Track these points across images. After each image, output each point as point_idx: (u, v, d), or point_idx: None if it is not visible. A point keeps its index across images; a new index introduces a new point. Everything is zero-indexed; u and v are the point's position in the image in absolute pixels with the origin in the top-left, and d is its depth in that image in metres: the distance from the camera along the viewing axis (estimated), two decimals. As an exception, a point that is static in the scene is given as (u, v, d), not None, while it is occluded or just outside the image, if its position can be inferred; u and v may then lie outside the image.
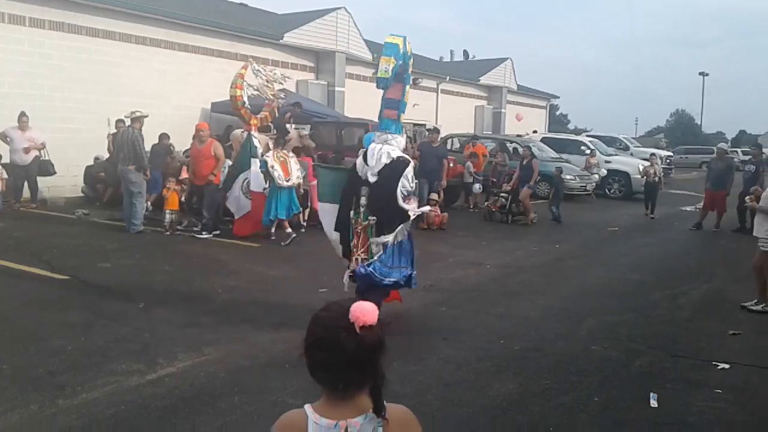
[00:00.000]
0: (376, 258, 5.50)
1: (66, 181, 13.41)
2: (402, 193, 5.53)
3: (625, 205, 17.13)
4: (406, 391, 4.19)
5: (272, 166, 9.53)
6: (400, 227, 5.56)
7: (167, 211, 10.32)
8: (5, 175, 11.69)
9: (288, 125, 13.80)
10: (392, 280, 5.54)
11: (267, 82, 10.66)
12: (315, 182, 11.00)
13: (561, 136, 24.76)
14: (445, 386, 4.44)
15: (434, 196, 12.02)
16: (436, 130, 13.85)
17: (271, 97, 10.68)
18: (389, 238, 5.51)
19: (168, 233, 10.13)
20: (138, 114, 10.45)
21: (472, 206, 14.88)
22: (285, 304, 6.27)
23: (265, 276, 7.65)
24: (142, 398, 4.01)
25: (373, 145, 5.74)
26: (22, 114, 11.90)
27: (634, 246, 10.91)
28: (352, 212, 5.69)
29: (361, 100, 21.06)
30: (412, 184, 5.64)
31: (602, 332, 5.83)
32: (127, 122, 10.65)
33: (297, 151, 11.26)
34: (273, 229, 9.89)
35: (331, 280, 7.20)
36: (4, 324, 5.37)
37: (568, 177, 17.88)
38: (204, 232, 9.94)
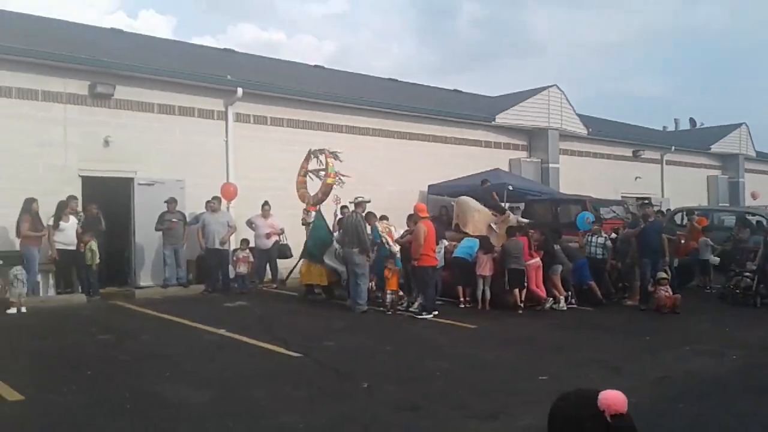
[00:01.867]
0: None
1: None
2: None
3: None
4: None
5: (385, 241, 11.12)
6: None
7: (388, 292, 10.74)
8: (251, 258, 13.11)
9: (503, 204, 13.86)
10: None
11: (322, 166, 12.52)
12: (531, 261, 10.82)
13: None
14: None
15: (663, 274, 11.03)
16: (649, 204, 12.84)
17: (328, 180, 12.14)
18: None
19: (389, 313, 10.50)
20: (360, 199, 11.20)
21: (709, 287, 13.41)
22: (503, 391, 6.06)
23: (481, 359, 7.51)
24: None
25: None
26: (265, 203, 13.42)
27: None
28: None
29: (576, 176, 20.51)
30: None
31: None
32: (351, 207, 11.46)
33: (512, 231, 11.18)
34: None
35: (550, 368, 6.89)
36: (241, 397, 5.85)
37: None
38: (424, 313, 10.15)
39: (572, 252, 11.76)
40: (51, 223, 11.25)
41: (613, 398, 1.46)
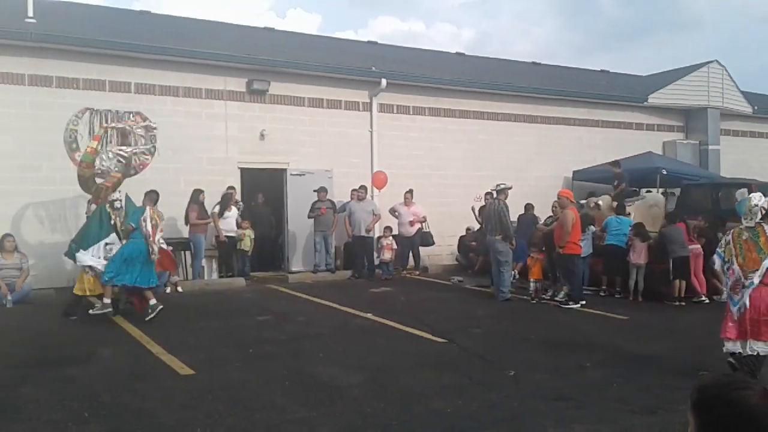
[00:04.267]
0: None
1: (443, 250, 14.84)
2: None
3: None
4: None
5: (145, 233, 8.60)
6: None
7: (532, 280, 10.58)
8: (395, 246, 13.44)
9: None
10: None
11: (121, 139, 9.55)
12: (691, 247, 10.16)
13: None
14: None
15: None
16: None
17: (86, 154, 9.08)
18: None
19: (534, 302, 10.35)
20: (503, 186, 11.07)
21: None
22: (660, 386, 5.78)
23: (635, 353, 7.20)
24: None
25: None
26: (408, 191, 13.67)
27: None
28: None
29: (739, 158, 18.92)
30: None
31: None
32: (494, 195, 11.36)
33: (672, 217, 10.62)
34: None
35: (713, 362, 6.47)
36: (391, 381, 6.04)
37: None
38: (570, 302, 9.89)
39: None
40: (216, 210, 12.18)
41: None
